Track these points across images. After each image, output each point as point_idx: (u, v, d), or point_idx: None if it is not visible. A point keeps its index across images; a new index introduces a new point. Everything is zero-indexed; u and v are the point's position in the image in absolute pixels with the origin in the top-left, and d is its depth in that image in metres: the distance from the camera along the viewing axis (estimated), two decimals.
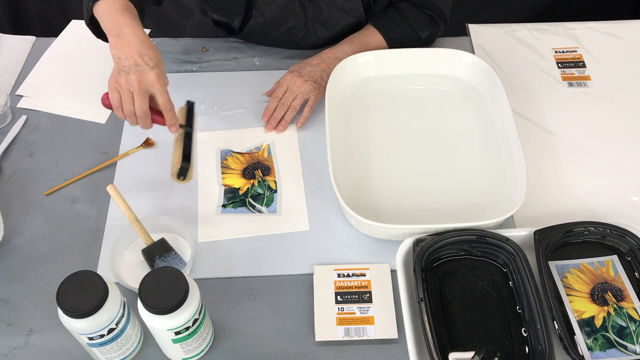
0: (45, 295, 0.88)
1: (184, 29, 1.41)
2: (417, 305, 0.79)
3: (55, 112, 1.13)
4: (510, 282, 0.85)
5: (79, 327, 0.71)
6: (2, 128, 1.10)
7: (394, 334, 0.83)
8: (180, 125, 0.94)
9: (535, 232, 0.86)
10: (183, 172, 0.93)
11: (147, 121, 0.90)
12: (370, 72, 1.13)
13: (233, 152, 1.05)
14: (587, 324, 0.81)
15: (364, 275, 0.88)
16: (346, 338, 0.83)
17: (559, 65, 1.20)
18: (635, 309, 0.82)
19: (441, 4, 1.14)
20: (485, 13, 1.89)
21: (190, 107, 1.00)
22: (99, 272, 0.77)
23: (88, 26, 1.03)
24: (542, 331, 0.77)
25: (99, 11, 0.94)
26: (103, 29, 0.94)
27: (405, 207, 0.97)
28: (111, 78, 0.88)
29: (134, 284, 0.81)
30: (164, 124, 0.92)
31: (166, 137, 1.07)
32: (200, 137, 1.08)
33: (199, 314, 0.74)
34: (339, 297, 0.86)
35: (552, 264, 0.87)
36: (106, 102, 0.91)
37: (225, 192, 1.00)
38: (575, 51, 1.23)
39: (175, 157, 0.94)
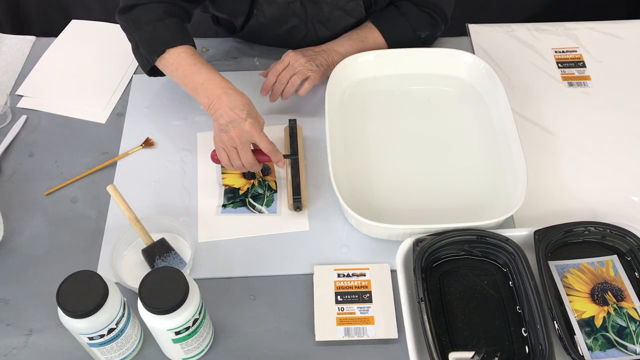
0: (45, 295, 0.88)
1: None
2: (417, 305, 0.79)
3: (55, 112, 1.13)
4: (510, 282, 0.85)
5: (79, 327, 0.71)
6: (2, 128, 1.10)
7: (394, 334, 0.83)
8: (285, 156, 0.98)
9: (535, 232, 0.86)
10: (297, 204, 0.95)
11: (256, 168, 0.96)
12: (370, 72, 1.13)
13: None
14: (587, 324, 0.81)
15: (364, 275, 0.88)
16: (346, 338, 0.83)
17: (559, 65, 1.20)
18: (635, 309, 0.82)
19: (442, 4, 1.14)
20: (485, 13, 1.89)
21: (292, 127, 1.03)
22: (99, 272, 0.77)
23: (148, 74, 1.07)
24: (542, 331, 0.77)
25: (165, 63, 0.99)
26: (176, 81, 0.99)
27: (405, 207, 0.97)
28: (215, 138, 0.94)
29: (134, 284, 0.81)
30: (270, 161, 0.96)
31: (166, 136, 1.08)
32: (200, 137, 1.08)
33: (199, 314, 0.74)
34: (339, 297, 0.86)
35: (552, 264, 0.87)
36: (215, 159, 0.97)
37: (226, 192, 1.00)
38: (575, 51, 1.23)
39: (289, 190, 0.97)
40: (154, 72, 1.06)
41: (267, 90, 1.08)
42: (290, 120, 1.05)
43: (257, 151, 0.95)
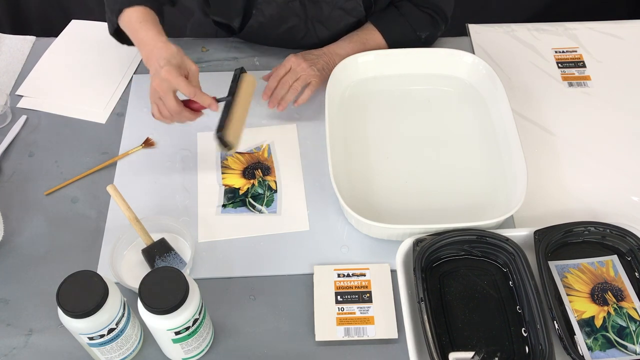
0: (45, 295, 0.88)
1: (184, 29, 1.41)
2: (417, 305, 0.79)
3: (55, 112, 1.13)
4: (510, 282, 0.85)
5: (79, 327, 0.71)
6: (2, 128, 1.10)
7: (394, 334, 0.83)
8: (218, 100, 0.94)
9: (535, 232, 0.86)
10: (221, 143, 0.92)
11: (184, 116, 0.94)
12: (370, 72, 1.13)
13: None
14: (587, 324, 0.81)
15: (364, 275, 0.88)
16: (346, 338, 0.83)
17: (559, 65, 1.20)
18: (635, 309, 0.82)
19: (442, 4, 1.14)
20: (485, 13, 1.89)
21: (235, 74, 1.00)
22: (99, 272, 0.77)
23: (112, 35, 1.08)
24: (542, 331, 0.77)
25: (122, 25, 1.01)
26: (130, 38, 1.00)
27: (405, 207, 0.97)
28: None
29: (134, 284, 0.81)
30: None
31: (166, 137, 1.08)
32: (200, 137, 1.08)
33: (199, 314, 0.74)
34: (339, 297, 0.86)
35: (552, 264, 0.87)
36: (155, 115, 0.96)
37: (226, 192, 1.00)
38: (575, 51, 1.23)
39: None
40: (122, 38, 1.06)
41: (268, 95, 1.08)
42: (236, 69, 1.01)
43: (189, 101, 0.94)
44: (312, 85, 1.07)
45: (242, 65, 1.20)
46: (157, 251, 0.90)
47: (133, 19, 0.98)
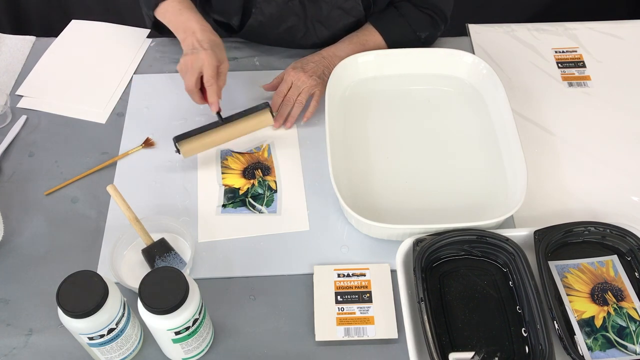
0: (45, 295, 0.88)
1: None
2: (417, 305, 0.79)
3: (55, 112, 1.13)
4: (510, 282, 0.85)
5: (79, 327, 0.71)
6: (2, 128, 1.10)
7: (394, 334, 0.83)
8: (218, 113, 1.01)
9: (535, 232, 0.86)
10: (175, 146, 1.00)
11: (195, 97, 1.01)
12: (370, 72, 1.13)
13: (233, 152, 1.05)
14: (587, 324, 0.81)
15: (364, 275, 0.88)
16: (346, 338, 0.83)
17: (559, 65, 1.20)
18: (635, 309, 0.82)
19: (442, 4, 1.14)
20: (485, 13, 1.89)
21: (258, 105, 1.04)
22: (99, 272, 0.77)
23: (153, 29, 1.16)
24: (542, 331, 0.77)
25: (160, 15, 1.07)
26: (170, 28, 1.06)
27: (405, 207, 0.97)
28: (177, 65, 1.00)
29: (134, 284, 0.81)
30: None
31: (166, 137, 1.07)
32: None
33: (199, 314, 0.74)
34: (339, 297, 0.86)
35: (552, 264, 0.87)
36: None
37: (226, 192, 1.00)
38: (575, 51, 1.23)
39: None
40: (161, 28, 1.12)
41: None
42: (263, 102, 1.05)
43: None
44: (317, 95, 1.08)
45: (241, 64, 1.20)
46: (157, 251, 0.90)
47: (172, 7, 1.04)
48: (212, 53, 0.97)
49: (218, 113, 1.01)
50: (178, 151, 1.00)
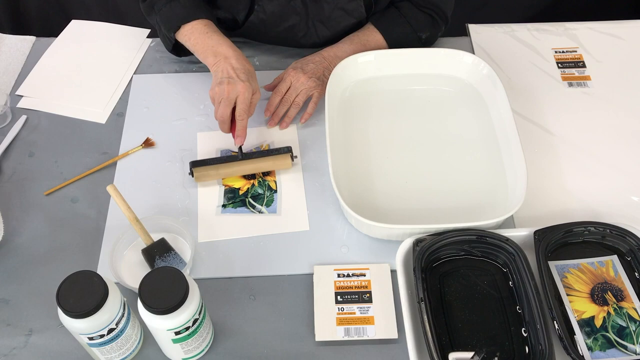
0: (45, 295, 0.88)
1: None
2: (417, 305, 0.79)
3: (55, 112, 1.13)
4: (510, 282, 0.85)
5: (79, 327, 0.71)
6: (2, 128, 1.10)
7: (394, 334, 0.83)
8: (240, 148, 1.00)
9: (535, 232, 0.86)
10: (190, 172, 0.99)
11: (224, 127, 1.00)
12: (370, 72, 1.13)
13: (233, 152, 1.05)
14: (587, 324, 0.81)
15: (364, 275, 0.88)
16: (346, 338, 0.83)
17: (559, 65, 1.20)
18: (635, 309, 0.82)
19: (442, 4, 1.14)
20: (485, 13, 1.89)
21: (280, 148, 1.02)
22: (99, 272, 0.77)
23: (172, 52, 1.15)
24: (542, 331, 0.77)
25: (183, 38, 1.06)
26: (193, 51, 1.06)
27: (405, 207, 0.97)
28: (210, 91, 0.99)
29: (134, 284, 0.81)
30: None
31: (166, 136, 1.08)
32: (200, 137, 1.08)
33: (199, 314, 0.74)
34: (339, 297, 0.86)
35: (552, 264, 0.87)
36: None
37: (225, 192, 1.00)
38: (575, 51, 1.23)
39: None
40: (180, 51, 1.13)
41: (270, 112, 1.08)
42: (287, 147, 1.02)
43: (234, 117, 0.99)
44: (315, 97, 1.07)
45: None
46: (157, 251, 0.90)
47: (197, 29, 1.04)
48: (249, 85, 0.96)
49: (240, 147, 1.00)
50: (191, 174, 0.99)
